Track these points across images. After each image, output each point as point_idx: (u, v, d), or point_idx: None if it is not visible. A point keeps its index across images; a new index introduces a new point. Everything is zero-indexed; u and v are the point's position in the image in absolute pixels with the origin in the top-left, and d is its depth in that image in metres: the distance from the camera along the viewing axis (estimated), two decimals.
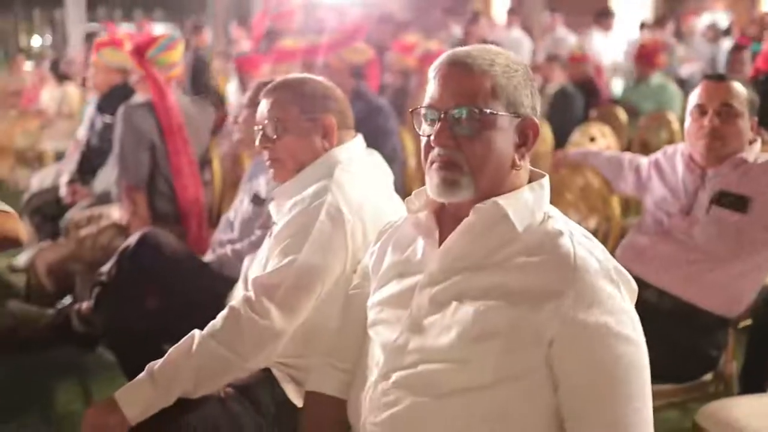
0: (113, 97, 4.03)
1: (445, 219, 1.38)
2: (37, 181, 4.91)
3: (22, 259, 4.43)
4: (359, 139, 1.94)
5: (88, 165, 4.14)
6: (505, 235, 1.29)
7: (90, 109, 4.37)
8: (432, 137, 1.30)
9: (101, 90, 4.21)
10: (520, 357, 1.24)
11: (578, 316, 1.21)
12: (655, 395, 2.25)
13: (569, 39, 8.84)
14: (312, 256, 1.68)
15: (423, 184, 1.41)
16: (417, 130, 1.35)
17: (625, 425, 1.22)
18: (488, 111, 1.27)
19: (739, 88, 2.26)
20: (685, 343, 2.21)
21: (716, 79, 2.31)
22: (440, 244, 1.36)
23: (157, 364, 1.62)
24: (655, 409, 2.72)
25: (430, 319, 1.32)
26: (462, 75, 1.29)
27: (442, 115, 1.29)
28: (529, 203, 1.32)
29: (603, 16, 8.50)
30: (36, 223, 4.22)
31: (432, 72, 1.34)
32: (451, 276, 1.32)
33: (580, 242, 1.28)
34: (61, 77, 8.02)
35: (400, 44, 6.23)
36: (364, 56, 4.09)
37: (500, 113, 1.29)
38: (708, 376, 2.29)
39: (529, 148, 1.34)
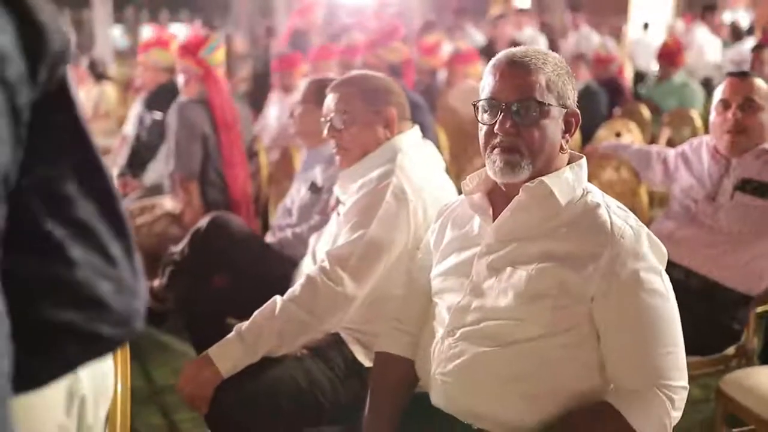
0: (161, 95, 4.26)
1: (496, 198, 1.59)
2: None
3: None
4: (416, 129, 2.14)
5: (138, 159, 4.37)
6: (551, 209, 1.50)
7: (138, 107, 4.59)
8: (496, 126, 1.50)
9: (149, 88, 4.44)
10: (568, 313, 1.44)
11: (614, 273, 1.42)
12: None
13: (593, 37, 9.00)
14: (379, 231, 1.88)
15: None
16: (477, 119, 1.55)
17: (657, 366, 1.42)
18: (545, 103, 1.48)
19: (760, 83, 2.46)
20: (710, 318, 2.40)
21: (739, 75, 2.51)
22: (494, 220, 1.57)
23: (244, 325, 1.83)
24: None
25: (489, 283, 1.53)
26: (521, 72, 1.49)
27: (504, 107, 1.49)
28: (570, 181, 1.53)
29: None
30: None
31: (491, 69, 1.54)
32: (505, 246, 1.53)
33: (615, 212, 1.49)
34: (99, 77, 8.24)
35: (423, 45, 6.42)
36: (400, 55, 4.26)
37: (553, 105, 1.50)
38: (731, 350, 2.47)
39: (572, 134, 1.56)
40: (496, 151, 1.50)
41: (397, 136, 2.06)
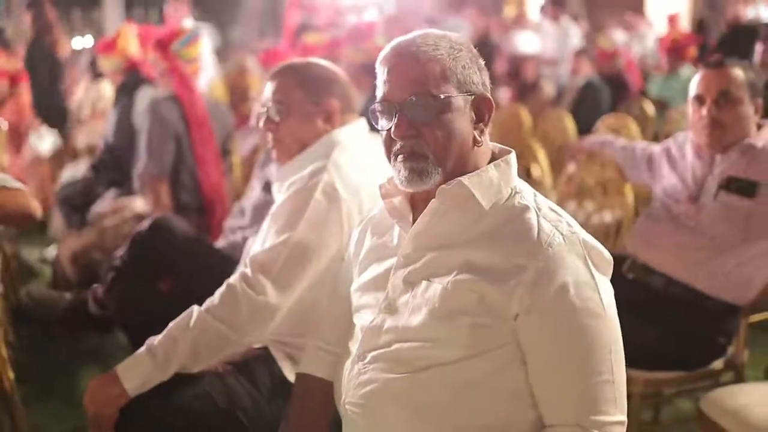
0: (126, 86, 4.15)
1: (418, 202, 1.39)
2: (69, 174, 5.04)
3: (53, 250, 4.54)
4: (362, 122, 1.96)
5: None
6: (472, 214, 1.31)
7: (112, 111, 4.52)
8: (392, 130, 1.31)
9: (116, 84, 4.40)
10: (489, 332, 1.25)
11: (541, 289, 1.22)
12: (664, 382, 2.25)
13: (573, 32, 8.65)
14: (307, 234, 1.71)
15: None
16: (375, 126, 1.36)
17: (593, 398, 1.22)
18: (442, 95, 1.29)
19: (736, 73, 2.22)
20: (693, 330, 2.18)
21: (713, 66, 2.26)
22: None
23: (156, 339, 1.67)
24: (666, 397, 2.68)
25: (403, 299, 1.34)
26: (410, 64, 1.30)
27: (398, 107, 1.30)
28: (495, 180, 1.32)
29: None
30: (65, 213, 4.33)
31: (380, 66, 1.35)
32: (422, 257, 1.34)
33: (545, 216, 1.29)
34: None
35: None
36: (365, 56, 4.05)
37: (453, 95, 1.30)
38: (718, 364, 2.26)
39: (487, 123, 1.36)
40: (399, 158, 1.32)
41: (337, 129, 1.88)
